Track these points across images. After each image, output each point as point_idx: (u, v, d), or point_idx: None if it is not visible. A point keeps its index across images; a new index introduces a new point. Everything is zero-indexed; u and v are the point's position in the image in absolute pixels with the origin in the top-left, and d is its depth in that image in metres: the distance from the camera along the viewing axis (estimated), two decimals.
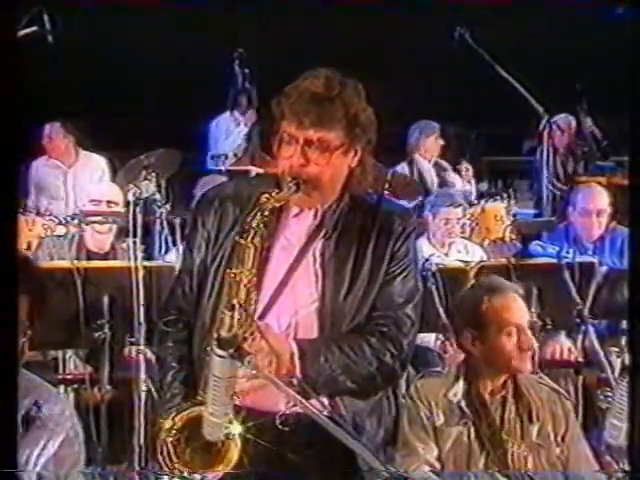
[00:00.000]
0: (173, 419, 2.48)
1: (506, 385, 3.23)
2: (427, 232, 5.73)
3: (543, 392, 3.28)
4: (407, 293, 2.66)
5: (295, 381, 2.50)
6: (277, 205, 2.54)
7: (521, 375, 3.26)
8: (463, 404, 3.18)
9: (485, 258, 5.56)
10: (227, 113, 8.22)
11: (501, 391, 3.22)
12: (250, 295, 2.44)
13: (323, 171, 2.56)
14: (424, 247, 5.58)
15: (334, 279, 2.61)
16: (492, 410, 3.21)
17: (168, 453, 2.46)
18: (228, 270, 2.46)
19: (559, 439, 3.23)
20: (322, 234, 2.64)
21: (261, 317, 2.55)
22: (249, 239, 2.45)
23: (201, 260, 2.68)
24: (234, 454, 2.43)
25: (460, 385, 3.21)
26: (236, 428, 2.43)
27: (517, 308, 3.22)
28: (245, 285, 2.44)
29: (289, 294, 2.61)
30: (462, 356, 3.35)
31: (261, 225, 2.47)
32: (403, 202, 6.76)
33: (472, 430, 3.17)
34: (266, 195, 2.51)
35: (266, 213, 2.48)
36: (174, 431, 2.47)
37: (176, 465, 2.46)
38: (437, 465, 3.16)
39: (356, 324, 2.63)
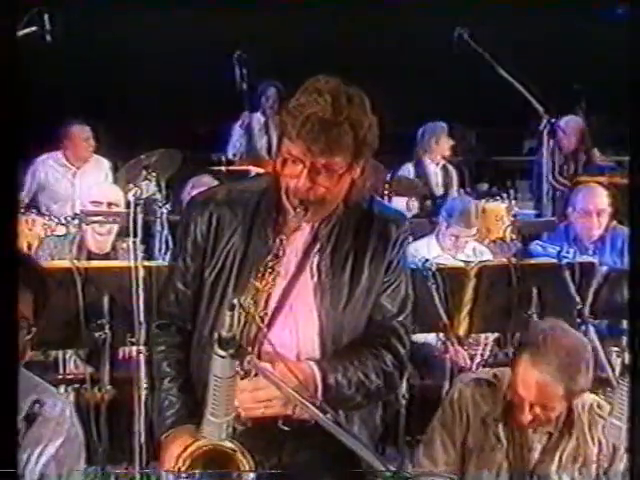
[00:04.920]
0: (181, 454, 2.43)
1: (558, 419, 3.09)
2: (437, 233, 5.70)
3: (597, 426, 3.16)
4: (400, 301, 2.66)
5: (318, 402, 2.46)
6: (290, 237, 2.52)
7: (578, 404, 3.12)
8: (501, 431, 3.09)
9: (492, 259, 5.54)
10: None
11: (549, 424, 3.08)
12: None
13: (329, 192, 2.51)
14: (432, 246, 5.57)
15: (332, 293, 2.59)
16: (533, 442, 3.10)
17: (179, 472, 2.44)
18: (240, 308, 2.37)
19: (601, 474, 3.15)
20: (318, 247, 2.61)
21: (262, 336, 2.51)
22: (264, 283, 2.44)
23: (196, 267, 2.64)
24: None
25: (500, 410, 3.10)
26: (246, 465, 2.41)
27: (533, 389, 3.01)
28: (256, 323, 2.41)
29: (289, 311, 2.58)
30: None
31: (276, 266, 2.45)
32: (403, 203, 6.85)
33: (504, 458, 3.08)
34: (281, 237, 2.48)
35: (280, 254, 2.47)
36: (185, 465, 2.43)
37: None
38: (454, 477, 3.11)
39: (355, 336, 2.63)
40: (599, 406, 3.23)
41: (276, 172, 2.55)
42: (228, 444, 2.40)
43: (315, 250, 2.61)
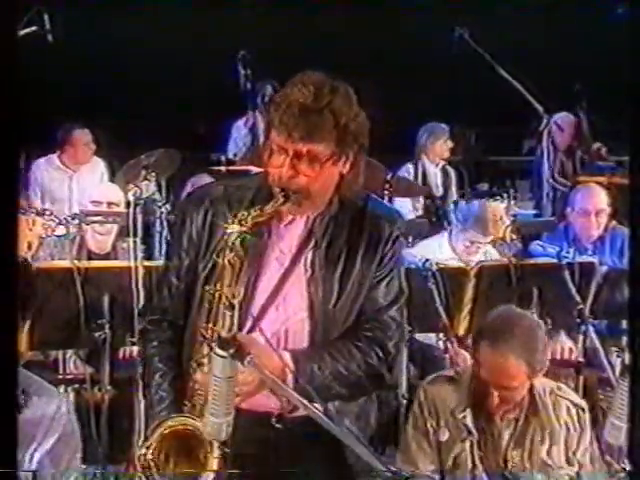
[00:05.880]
0: (146, 442, 2.48)
1: (522, 404, 3.19)
2: (450, 235, 5.64)
3: (562, 408, 3.26)
4: (392, 295, 2.67)
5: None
6: (266, 218, 2.52)
7: (540, 388, 3.22)
8: (469, 422, 3.16)
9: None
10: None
11: (514, 410, 3.18)
12: (231, 312, 2.44)
13: (312, 181, 2.53)
14: (444, 248, 5.50)
15: (324, 289, 2.60)
16: (501, 429, 3.18)
17: (149, 470, 2.46)
18: (207, 287, 2.44)
19: (570, 455, 3.24)
20: (312, 243, 2.62)
21: (253, 327, 2.55)
22: (224, 257, 2.45)
23: (190, 262, 2.65)
24: (213, 465, 2.44)
25: (467, 401, 3.17)
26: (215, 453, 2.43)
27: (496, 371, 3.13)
28: (224, 303, 2.44)
29: (281, 304, 2.60)
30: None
31: (237, 242, 2.45)
32: (402, 202, 6.85)
33: (475, 448, 3.16)
34: (242, 213, 2.49)
35: (244, 229, 2.47)
36: (151, 452, 2.47)
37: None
38: (436, 477, 3.16)
39: (345, 330, 2.64)
40: (559, 388, 3.32)
41: (264, 164, 2.58)
42: (197, 423, 2.43)
43: (310, 246, 2.62)
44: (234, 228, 2.46)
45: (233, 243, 2.45)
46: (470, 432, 3.15)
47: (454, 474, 3.15)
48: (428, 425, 3.16)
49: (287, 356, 2.54)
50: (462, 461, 3.16)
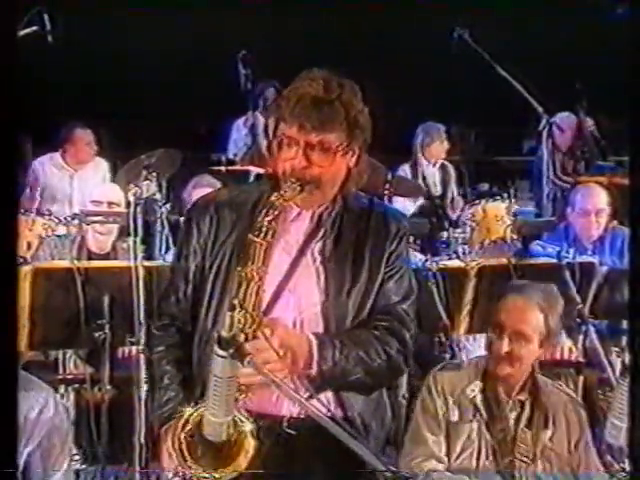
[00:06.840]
0: (191, 414, 2.47)
1: (525, 387, 3.28)
2: None
3: (561, 399, 3.34)
4: (403, 292, 2.71)
5: (313, 373, 2.53)
6: (285, 205, 2.54)
7: (542, 380, 3.32)
8: (479, 401, 3.24)
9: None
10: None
11: (520, 393, 3.27)
12: (260, 292, 2.45)
13: (325, 172, 2.59)
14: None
15: (336, 277, 2.64)
16: (507, 411, 3.26)
17: (180, 449, 2.45)
18: (239, 268, 2.44)
19: (572, 446, 3.29)
20: (320, 235, 2.66)
21: (265, 315, 2.54)
22: (261, 236, 2.46)
23: (196, 266, 2.69)
24: (248, 452, 2.43)
25: (478, 382, 3.27)
26: (247, 426, 2.43)
27: (516, 312, 3.24)
28: (256, 282, 2.44)
29: (291, 295, 2.63)
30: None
31: (273, 223, 2.48)
32: (403, 203, 6.85)
33: (484, 428, 3.22)
34: (276, 194, 2.52)
35: (277, 212, 2.49)
36: (189, 426, 2.46)
37: (187, 461, 2.45)
38: (444, 460, 3.21)
39: (359, 322, 2.66)
40: (560, 385, 3.49)
41: (273, 159, 2.61)
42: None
43: (318, 237, 2.66)
44: (268, 212, 2.48)
45: (270, 223, 2.47)
46: (479, 411, 3.23)
47: (462, 457, 3.22)
48: (437, 406, 3.24)
49: (313, 338, 2.56)
50: (470, 444, 3.22)
